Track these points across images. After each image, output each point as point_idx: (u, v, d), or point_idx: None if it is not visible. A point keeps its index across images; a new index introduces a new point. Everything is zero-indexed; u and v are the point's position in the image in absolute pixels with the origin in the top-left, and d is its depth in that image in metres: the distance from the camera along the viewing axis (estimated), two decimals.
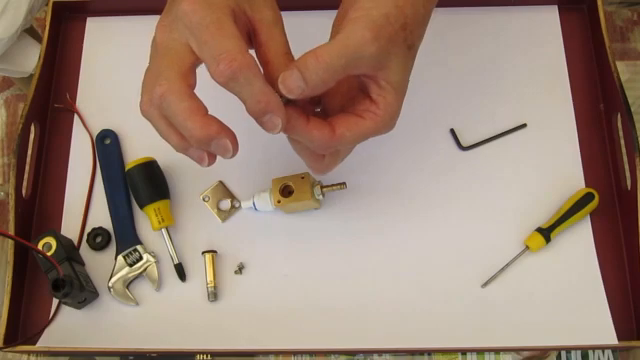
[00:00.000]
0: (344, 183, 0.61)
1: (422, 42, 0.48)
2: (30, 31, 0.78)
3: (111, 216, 0.65)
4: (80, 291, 0.59)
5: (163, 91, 0.43)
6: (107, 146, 0.68)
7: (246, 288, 0.62)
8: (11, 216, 0.62)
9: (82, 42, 0.73)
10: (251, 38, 0.48)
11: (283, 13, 0.49)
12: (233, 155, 0.45)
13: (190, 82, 0.44)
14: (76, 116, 0.70)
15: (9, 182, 0.63)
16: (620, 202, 0.64)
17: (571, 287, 0.61)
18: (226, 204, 0.66)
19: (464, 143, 0.67)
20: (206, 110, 0.44)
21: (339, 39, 0.44)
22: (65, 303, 0.61)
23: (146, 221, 0.64)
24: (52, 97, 0.71)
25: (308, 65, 0.43)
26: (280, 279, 0.62)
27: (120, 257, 0.63)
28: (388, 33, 0.44)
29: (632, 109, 0.63)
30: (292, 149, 0.52)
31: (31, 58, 0.74)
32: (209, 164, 0.47)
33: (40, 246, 0.60)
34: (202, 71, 0.45)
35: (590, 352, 0.61)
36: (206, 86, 0.46)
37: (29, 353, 0.62)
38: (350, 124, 0.47)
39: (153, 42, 0.47)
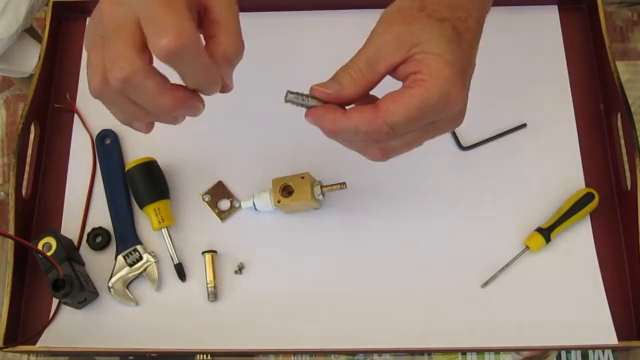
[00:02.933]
0: (344, 183, 0.61)
1: None
2: (30, 31, 0.77)
3: (111, 216, 0.65)
4: (80, 291, 0.59)
5: (126, 74, 0.41)
6: (107, 146, 0.68)
7: (246, 288, 0.62)
8: (11, 216, 0.62)
9: (82, 42, 0.73)
10: (201, 16, 0.45)
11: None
12: (202, 110, 0.45)
13: (149, 58, 0.42)
14: (76, 116, 0.70)
15: (9, 182, 0.63)
16: (620, 202, 0.64)
17: (571, 287, 0.61)
18: (226, 204, 0.66)
19: (464, 143, 0.67)
20: (168, 80, 0.43)
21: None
22: (65, 303, 0.61)
23: (146, 221, 0.64)
24: (52, 97, 0.71)
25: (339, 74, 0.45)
26: (280, 279, 0.62)
27: (120, 257, 0.63)
28: (402, 18, 0.44)
29: (632, 109, 0.63)
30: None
31: (31, 58, 0.74)
32: (149, 131, 0.47)
33: (40, 246, 0.60)
34: None
35: (590, 352, 0.61)
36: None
37: (29, 353, 0.62)
38: (395, 97, 0.43)
39: (99, 17, 0.43)
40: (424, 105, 0.43)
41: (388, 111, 0.43)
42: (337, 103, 0.45)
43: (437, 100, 0.43)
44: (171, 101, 0.42)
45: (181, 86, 0.43)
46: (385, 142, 0.46)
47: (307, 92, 0.45)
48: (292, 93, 0.45)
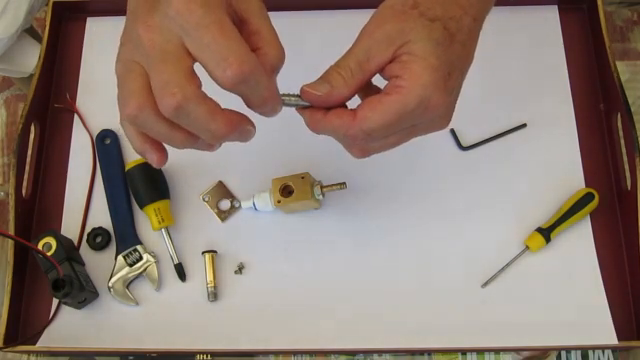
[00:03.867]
0: (344, 183, 0.61)
1: None
2: (30, 31, 0.77)
3: (111, 216, 0.65)
4: (80, 291, 0.59)
5: (179, 101, 0.40)
6: (107, 146, 0.68)
7: (246, 288, 0.62)
8: (11, 216, 0.62)
9: (82, 42, 0.73)
10: (239, 29, 0.44)
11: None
12: (254, 134, 0.44)
13: (198, 83, 0.42)
14: (76, 116, 0.70)
15: (9, 182, 0.63)
16: (620, 202, 0.64)
17: (571, 287, 0.61)
18: (226, 204, 0.66)
19: (464, 143, 0.67)
20: (219, 105, 0.42)
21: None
22: (65, 303, 0.61)
23: (146, 221, 0.64)
24: (52, 97, 0.71)
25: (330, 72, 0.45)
26: (280, 279, 0.62)
27: (120, 257, 0.63)
28: (394, 16, 0.44)
29: (632, 109, 0.63)
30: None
31: (31, 58, 0.74)
32: (162, 164, 0.46)
33: (40, 246, 0.59)
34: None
35: (590, 352, 0.61)
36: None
37: (29, 353, 0.62)
38: (373, 104, 0.44)
39: (136, 43, 0.42)
40: (401, 112, 0.43)
41: (365, 118, 0.44)
42: (328, 105, 0.45)
43: (414, 106, 0.43)
44: (224, 126, 0.41)
45: (232, 110, 0.43)
46: (365, 144, 0.47)
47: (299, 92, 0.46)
48: (284, 95, 0.45)
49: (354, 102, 0.46)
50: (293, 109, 0.47)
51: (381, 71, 0.45)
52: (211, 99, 0.41)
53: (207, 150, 0.45)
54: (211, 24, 0.39)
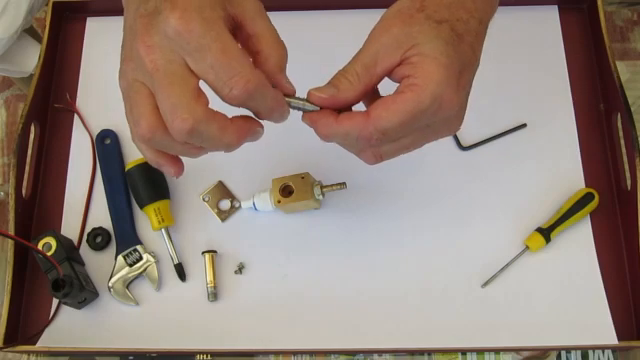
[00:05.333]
0: (344, 183, 0.61)
1: None
2: (30, 31, 0.78)
3: (111, 216, 0.65)
4: (80, 291, 0.59)
5: (190, 125, 0.40)
6: (107, 146, 0.68)
7: (246, 288, 0.62)
8: (11, 216, 0.62)
9: (82, 42, 0.73)
10: (236, 33, 0.45)
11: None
12: (262, 133, 0.45)
13: (206, 102, 0.41)
14: (76, 116, 0.70)
15: (9, 182, 0.63)
16: (620, 202, 0.64)
17: (571, 287, 0.61)
18: (226, 204, 0.66)
19: (464, 143, 0.67)
20: (226, 116, 0.42)
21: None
22: (65, 303, 0.61)
23: (146, 221, 0.64)
24: (52, 97, 0.71)
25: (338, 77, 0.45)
26: (280, 279, 0.62)
27: (120, 257, 0.63)
28: (401, 20, 0.44)
29: (632, 109, 0.63)
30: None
31: (31, 58, 0.74)
32: (180, 174, 0.47)
33: (40, 246, 0.60)
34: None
35: (590, 352, 0.61)
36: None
37: (29, 353, 0.62)
38: (387, 103, 0.43)
39: (137, 62, 0.41)
40: (415, 110, 0.42)
41: (379, 117, 0.43)
42: (334, 107, 0.45)
43: (429, 104, 0.42)
44: (236, 136, 0.42)
45: (240, 117, 0.43)
46: (378, 147, 0.46)
47: (305, 96, 0.46)
48: (291, 98, 0.45)
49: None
50: (298, 114, 0.46)
51: (390, 74, 0.45)
52: (220, 114, 0.42)
53: (226, 151, 0.45)
54: (212, 44, 0.39)
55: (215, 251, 0.63)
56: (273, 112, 0.44)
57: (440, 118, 0.44)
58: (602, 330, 0.59)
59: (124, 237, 0.64)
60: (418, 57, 0.43)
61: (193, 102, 0.40)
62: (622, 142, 0.64)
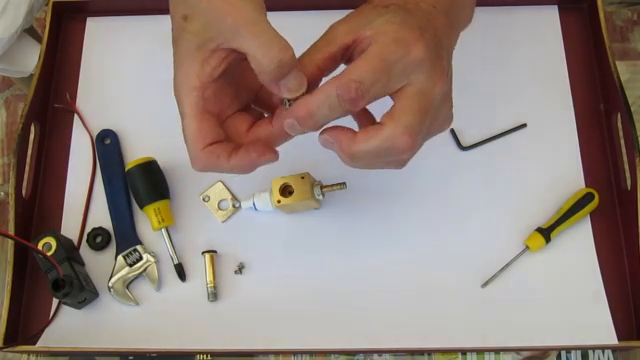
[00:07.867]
0: (344, 183, 0.61)
1: None
2: (30, 31, 0.78)
3: (111, 216, 0.65)
4: (80, 291, 0.59)
5: (201, 168, 0.47)
6: (107, 146, 0.68)
7: (246, 288, 0.62)
8: (11, 216, 0.62)
9: (82, 42, 0.73)
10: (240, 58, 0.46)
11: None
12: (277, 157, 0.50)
13: (209, 149, 0.47)
14: (76, 116, 0.70)
15: (9, 182, 0.63)
16: (620, 202, 0.64)
17: (571, 287, 0.61)
18: (226, 204, 0.66)
19: (464, 143, 0.67)
20: (236, 148, 0.47)
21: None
22: (65, 303, 0.61)
23: (146, 221, 0.64)
24: (52, 97, 0.71)
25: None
26: (280, 279, 0.62)
27: (120, 257, 0.63)
28: (351, 15, 0.47)
29: (632, 109, 0.63)
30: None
31: (31, 58, 0.74)
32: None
33: (40, 246, 0.60)
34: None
35: (590, 352, 0.61)
36: None
37: (29, 353, 0.62)
38: (357, 63, 0.44)
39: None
40: (384, 54, 0.43)
41: (349, 82, 0.43)
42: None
43: (394, 48, 0.43)
44: (248, 163, 0.47)
45: (254, 146, 0.48)
46: (359, 99, 0.44)
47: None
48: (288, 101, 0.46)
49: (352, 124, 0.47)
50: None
51: (349, 52, 0.46)
52: (228, 149, 0.47)
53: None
54: (183, 120, 0.47)
55: (215, 251, 0.63)
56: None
57: (412, 64, 0.43)
58: (602, 330, 0.59)
59: (124, 237, 0.64)
60: (371, 30, 0.44)
61: (198, 152, 0.47)
62: (622, 142, 0.64)
